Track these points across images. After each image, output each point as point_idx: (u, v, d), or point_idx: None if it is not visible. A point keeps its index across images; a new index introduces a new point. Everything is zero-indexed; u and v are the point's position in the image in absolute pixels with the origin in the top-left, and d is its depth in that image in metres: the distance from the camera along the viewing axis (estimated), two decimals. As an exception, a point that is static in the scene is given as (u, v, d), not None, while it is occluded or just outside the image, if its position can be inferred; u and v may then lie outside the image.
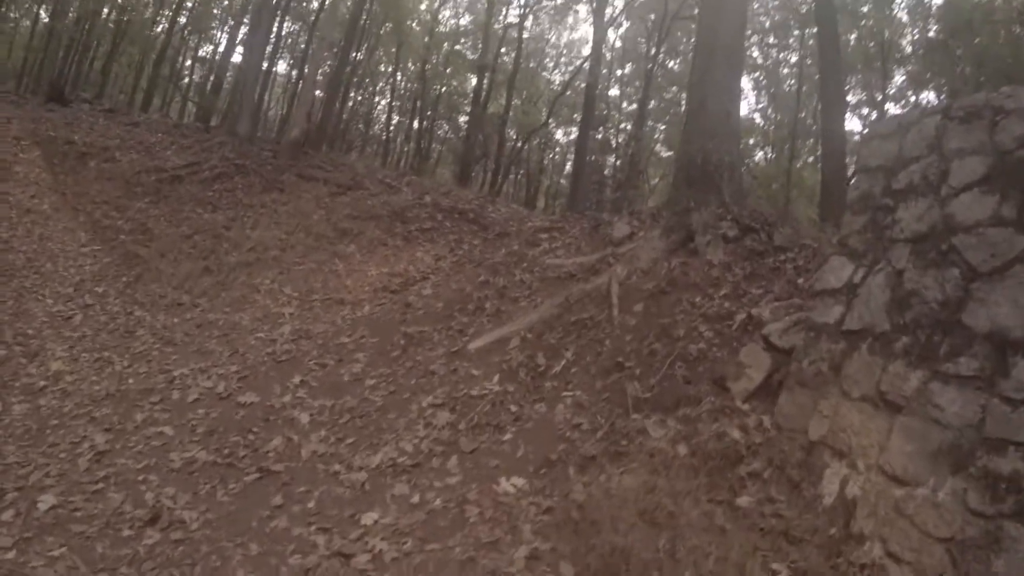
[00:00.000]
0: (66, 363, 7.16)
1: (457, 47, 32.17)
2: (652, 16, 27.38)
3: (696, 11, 13.88)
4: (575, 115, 30.56)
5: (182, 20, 32.37)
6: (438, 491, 4.68)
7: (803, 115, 26.43)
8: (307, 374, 6.62)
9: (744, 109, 32.42)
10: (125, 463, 5.39)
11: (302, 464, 5.21)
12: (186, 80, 36.86)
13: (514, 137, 31.80)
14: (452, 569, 3.94)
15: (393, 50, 30.96)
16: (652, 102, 30.53)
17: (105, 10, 29.50)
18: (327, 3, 24.93)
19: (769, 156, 30.50)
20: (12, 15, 31.27)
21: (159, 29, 31.66)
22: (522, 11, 29.39)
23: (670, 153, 30.07)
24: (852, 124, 25.80)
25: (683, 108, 19.01)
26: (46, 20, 29.23)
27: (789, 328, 5.12)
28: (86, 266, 9.75)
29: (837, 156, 12.54)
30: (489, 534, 4.17)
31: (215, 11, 33.47)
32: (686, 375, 5.32)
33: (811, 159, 26.34)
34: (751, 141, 30.42)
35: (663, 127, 32.60)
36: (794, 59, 27.98)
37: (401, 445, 5.23)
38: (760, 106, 32.45)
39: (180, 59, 35.78)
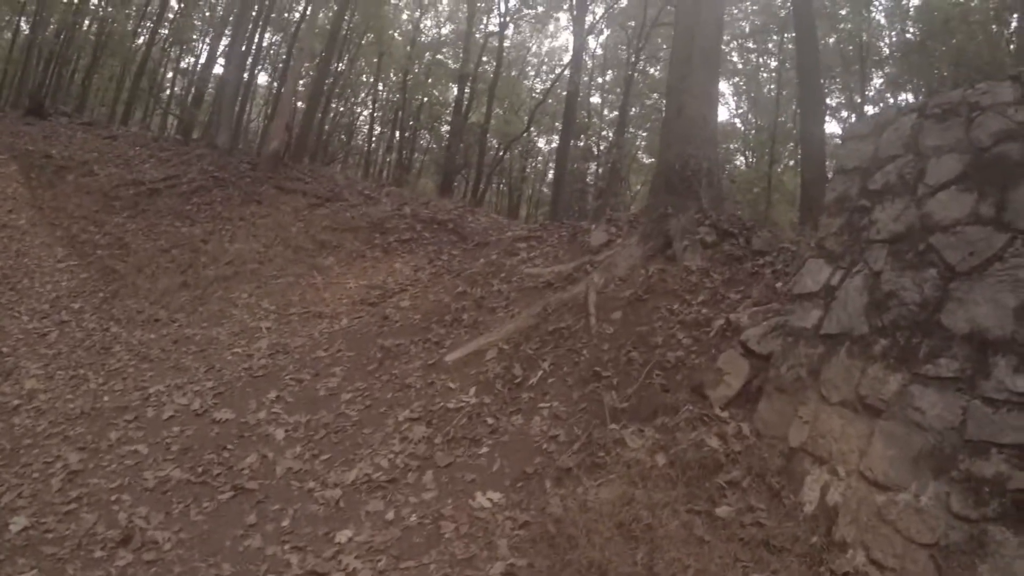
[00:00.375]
0: (41, 381, 7.07)
1: (438, 56, 32.16)
2: (632, 23, 27.49)
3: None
4: (556, 123, 30.61)
5: (163, 32, 32.19)
6: (413, 507, 4.60)
7: (783, 119, 26.60)
8: (283, 389, 6.53)
9: (724, 114, 32.67)
10: (98, 483, 5.30)
11: (276, 481, 5.12)
12: (167, 92, 36.64)
13: (496, 146, 31.79)
14: None
15: (374, 60, 30.93)
16: (633, 109, 30.62)
17: (86, 22, 29.34)
18: (307, 14, 24.88)
19: (750, 161, 30.66)
20: None
21: (140, 41, 31.45)
22: (503, 20, 29.40)
23: (652, 160, 30.13)
24: (832, 127, 25.96)
25: (663, 115, 19.06)
26: (26, 32, 28.95)
27: (767, 333, 5.08)
28: (63, 282, 9.63)
29: (816, 159, 12.57)
30: (465, 550, 4.10)
31: (196, 22, 33.32)
32: (664, 383, 5.27)
33: (791, 163, 26.48)
34: (732, 146, 30.59)
35: (644, 134, 32.67)
36: (773, 64, 28.21)
37: (376, 460, 5.14)
38: (740, 111, 32.64)
39: (161, 71, 35.55)
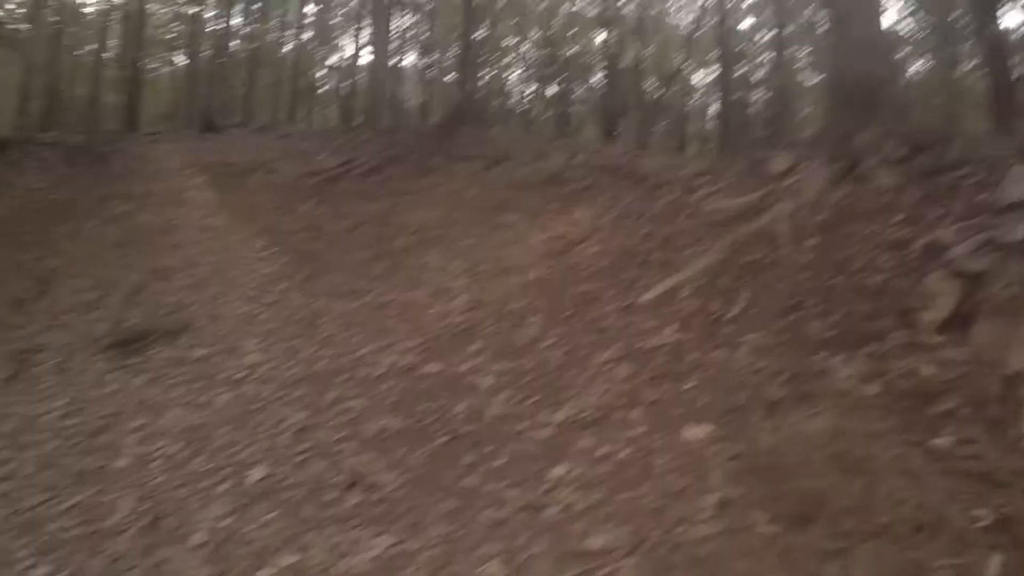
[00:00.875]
0: (259, 355, 7.79)
1: (576, 8, 31.79)
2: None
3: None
4: (711, 55, 29.42)
5: (306, 36, 34.25)
6: (624, 443, 4.71)
7: (957, 15, 23.80)
8: (484, 341, 6.83)
9: (892, 17, 29.59)
10: (323, 436, 5.85)
11: (488, 425, 5.44)
12: (323, 88, 38.97)
13: (653, 86, 31.09)
14: (642, 518, 3.99)
15: (514, 22, 31.11)
16: (789, 27, 28.66)
17: (235, 43, 31.76)
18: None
19: (928, 66, 27.86)
20: (151, 64, 34.20)
21: (289, 47, 33.75)
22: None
23: (818, 79, 28.16)
24: (1015, 17, 22.90)
25: (824, 28, 17.84)
26: (185, 62, 31.97)
27: (976, 250, 4.73)
28: (265, 268, 10.51)
29: (1000, 56, 11.35)
30: (677, 482, 4.17)
31: (331, 22, 35.04)
32: (869, 310, 5.01)
33: (974, 63, 23.78)
34: (905, 52, 27.88)
35: (806, 52, 30.57)
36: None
37: (583, 401, 5.31)
38: (909, 12, 29.51)
39: (314, 71, 37.84)
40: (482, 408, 5.68)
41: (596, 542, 3.91)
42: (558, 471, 4.62)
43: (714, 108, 32.41)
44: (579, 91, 36.15)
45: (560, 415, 5.22)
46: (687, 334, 5.72)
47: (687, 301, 6.15)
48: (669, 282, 6.49)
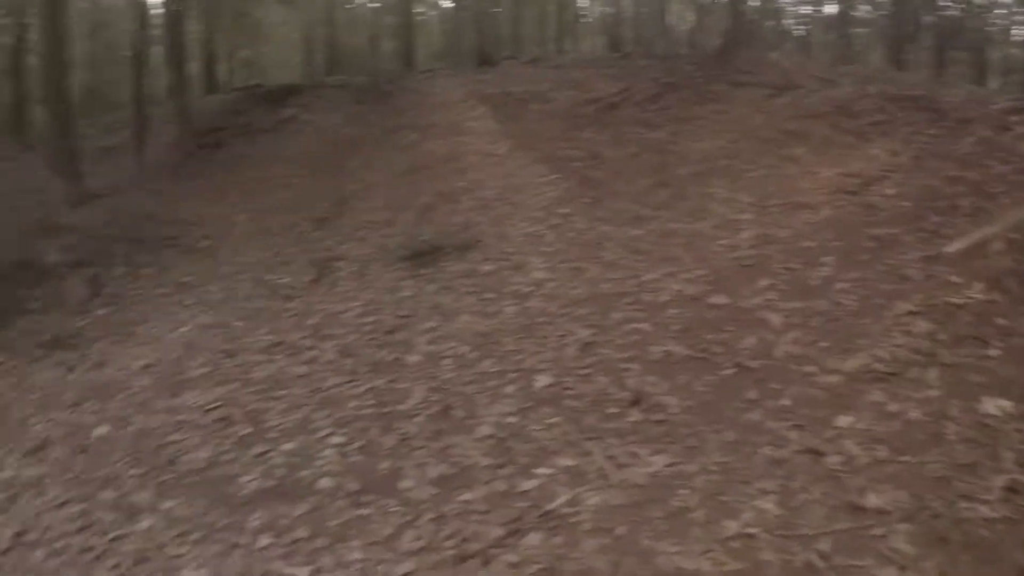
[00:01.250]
0: (545, 272, 8.28)
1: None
2: None
3: None
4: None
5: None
6: (915, 403, 4.61)
7: None
8: (774, 277, 6.73)
9: None
10: (608, 353, 6.16)
11: (775, 363, 5.49)
12: (588, 19, 39.71)
13: (946, 5, 27.32)
14: (925, 484, 3.95)
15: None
16: None
17: None
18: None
19: None
20: (420, 9, 36.97)
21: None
22: None
23: None
24: None
25: None
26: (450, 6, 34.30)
27: None
28: (548, 193, 10.99)
29: None
30: (967, 455, 4.05)
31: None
32: None
33: None
34: None
35: None
36: None
37: (876, 352, 5.19)
38: None
39: (575, 3, 39.26)
40: (770, 345, 5.71)
41: (873, 500, 3.93)
42: (843, 420, 4.63)
43: (1020, 31, 27.68)
44: (861, 11, 32.97)
45: (851, 363, 5.16)
46: (996, 295, 5.30)
47: (999, 257, 5.65)
48: (980, 234, 5.95)
